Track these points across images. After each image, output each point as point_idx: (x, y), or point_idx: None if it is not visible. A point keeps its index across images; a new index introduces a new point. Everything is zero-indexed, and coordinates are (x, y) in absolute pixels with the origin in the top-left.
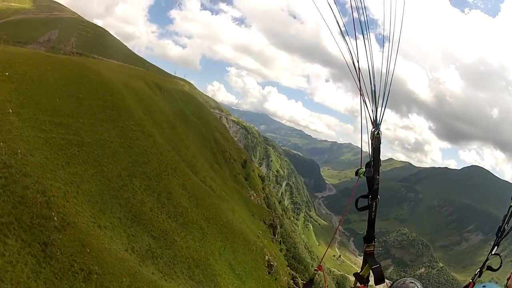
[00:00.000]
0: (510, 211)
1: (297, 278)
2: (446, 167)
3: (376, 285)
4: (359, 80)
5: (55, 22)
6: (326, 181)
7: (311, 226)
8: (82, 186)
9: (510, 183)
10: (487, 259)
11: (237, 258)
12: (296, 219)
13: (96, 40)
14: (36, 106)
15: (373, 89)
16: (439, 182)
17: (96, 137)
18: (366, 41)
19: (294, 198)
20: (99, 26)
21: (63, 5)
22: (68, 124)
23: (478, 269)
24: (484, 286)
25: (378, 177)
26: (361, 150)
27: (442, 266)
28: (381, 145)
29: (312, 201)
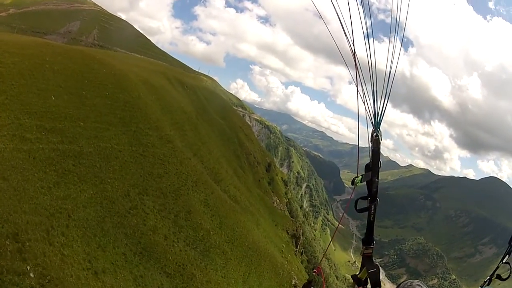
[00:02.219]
0: None
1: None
2: (465, 177)
3: None
4: (357, 79)
5: (77, 14)
6: (346, 184)
7: (329, 230)
8: (75, 215)
9: None
10: (497, 267)
11: (262, 285)
12: (314, 223)
13: (118, 33)
14: (22, 107)
15: (373, 88)
16: (457, 192)
17: (100, 146)
18: (367, 40)
19: (313, 201)
20: (122, 19)
21: None
22: (63, 129)
23: (488, 277)
24: None
25: (377, 180)
26: (358, 156)
27: (455, 279)
28: (380, 146)
29: (330, 204)
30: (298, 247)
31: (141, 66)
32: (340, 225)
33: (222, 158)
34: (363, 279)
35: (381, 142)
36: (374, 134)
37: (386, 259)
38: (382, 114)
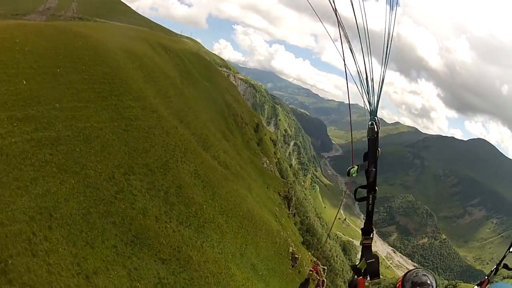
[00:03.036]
0: None
1: (319, 265)
2: (453, 137)
3: (371, 279)
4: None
5: None
6: (333, 141)
7: (318, 187)
8: (57, 212)
9: None
10: (504, 256)
11: (259, 255)
12: (303, 181)
13: (98, 3)
14: None
15: (368, 78)
16: (445, 151)
17: (78, 127)
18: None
19: (301, 159)
20: None
21: None
22: (36, 115)
23: (495, 267)
24: None
25: (374, 169)
26: (352, 149)
27: (445, 238)
28: (378, 135)
29: (319, 161)
30: (291, 209)
31: (121, 34)
32: (329, 182)
33: (210, 122)
34: (362, 270)
35: (379, 130)
36: (370, 123)
37: (376, 216)
38: (377, 102)
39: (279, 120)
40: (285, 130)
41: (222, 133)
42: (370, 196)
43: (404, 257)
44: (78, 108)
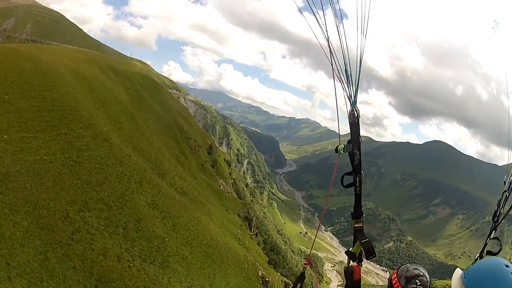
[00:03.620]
0: (504, 196)
1: (289, 285)
2: (408, 142)
3: (367, 259)
4: (331, 57)
5: (12, 11)
6: (286, 157)
7: (275, 204)
8: (14, 260)
9: (475, 158)
10: (485, 244)
11: (229, 284)
12: (261, 199)
13: (51, 25)
14: None
15: (347, 67)
16: (401, 157)
17: (27, 160)
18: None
19: (256, 177)
20: (55, 11)
21: None
22: None
23: (478, 255)
24: (507, 266)
25: (358, 152)
26: (338, 127)
27: (411, 240)
28: (359, 121)
29: (274, 177)
30: (253, 229)
31: (71, 57)
32: (285, 197)
33: (163, 147)
34: (357, 254)
35: (359, 117)
36: (350, 109)
37: (337, 226)
38: (356, 91)
39: (231, 139)
40: (238, 150)
41: (176, 157)
42: (357, 179)
43: (372, 263)
44: (27, 139)
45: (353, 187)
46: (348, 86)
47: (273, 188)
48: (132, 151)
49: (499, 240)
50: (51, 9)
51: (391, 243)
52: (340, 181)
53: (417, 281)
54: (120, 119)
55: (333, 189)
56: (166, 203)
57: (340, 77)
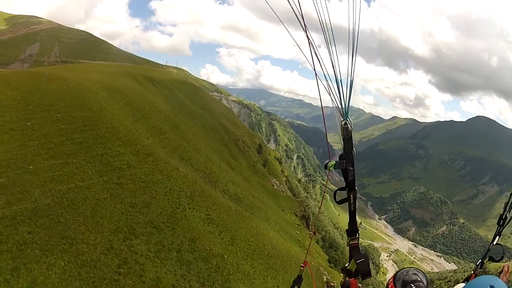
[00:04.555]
0: (511, 198)
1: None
2: (452, 120)
3: (363, 279)
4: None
5: (35, 36)
6: (334, 147)
7: (328, 197)
8: None
9: None
10: (488, 250)
11: None
12: (314, 194)
13: (79, 45)
14: None
15: (337, 78)
16: (447, 136)
17: (59, 190)
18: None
19: (307, 170)
20: (81, 30)
21: (40, 17)
22: (6, 184)
23: (479, 261)
24: (492, 286)
25: (351, 168)
26: (327, 142)
27: (463, 222)
28: (352, 134)
29: (324, 170)
30: (310, 228)
31: (103, 72)
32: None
33: (212, 153)
34: (353, 270)
35: (352, 130)
36: (343, 123)
37: (391, 214)
38: (348, 102)
39: (278, 135)
40: (286, 145)
41: (226, 162)
42: (351, 196)
43: (426, 249)
44: (57, 166)
45: (348, 203)
46: (339, 95)
47: (324, 180)
48: (180, 162)
49: (501, 247)
50: (77, 29)
51: (444, 227)
52: (333, 197)
53: (413, 286)
54: (162, 129)
55: (384, 176)
56: (222, 215)
57: (329, 85)
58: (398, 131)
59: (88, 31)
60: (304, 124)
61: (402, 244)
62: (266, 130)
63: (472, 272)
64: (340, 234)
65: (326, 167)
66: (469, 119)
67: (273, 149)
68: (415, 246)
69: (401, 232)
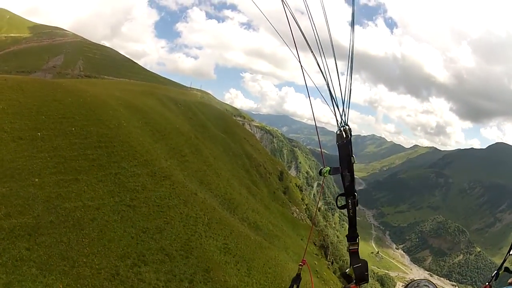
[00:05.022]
0: None
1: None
2: (472, 147)
3: (357, 284)
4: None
5: (60, 48)
6: (355, 176)
7: (347, 226)
8: None
9: None
10: (504, 260)
11: None
12: (334, 223)
13: (104, 61)
14: None
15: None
16: (467, 164)
17: (65, 208)
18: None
19: (327, 198)
20: (107, 47)
21: (65, 30)
22: (8, 195)
23: (495, 272)
24: None
25: (349, 173)
26: (321, 149)
27: (480, 251)
28: (350, 140)
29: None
30: (328, 257)
31: (125, 89)
32: (356, 217)
33: (233, 178)
34: (352, 276)
35: (351, 136)
36: (338, 131)
37: (409, 243)
38: (348, 109)
39: (300, 163)
40: (307, 172)
41: (247, 188)
42: (349, 202)
43: (442, 279)
44: (65, 182)
45: (347, 209)
46: (338, 104)
47: (344, 209)
48: (199, 187)
49: None
50: (103, 45)
51: (461, 256)
52: (335, 202)
53: None
54: (183, 152)
55: (403, 205)
56: (240, 245)
57: (329, 91)
58: (418, 160)
59: (113, 48)
60: (325, 151)
61: (418, 274)
62: (287, 157)
63: (487, 283)
64: None
65: (320, 173)
66: (488, 146)
67: (294, 177)
68: (430, 276)
69: (417, 261)
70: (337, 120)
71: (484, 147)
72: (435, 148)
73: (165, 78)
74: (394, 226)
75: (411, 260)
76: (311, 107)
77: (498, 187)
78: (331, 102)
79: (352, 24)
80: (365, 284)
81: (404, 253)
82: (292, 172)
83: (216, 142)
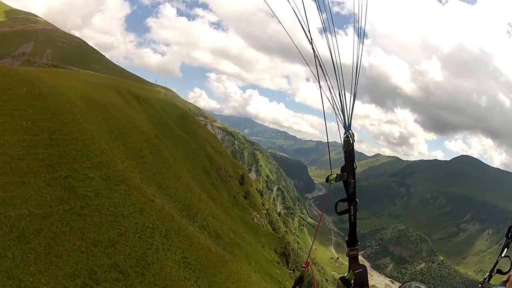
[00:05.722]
0: None
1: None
2: (436, 159)
3: None
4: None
5: (30, 34)
6: (315, 181)
7: (306, 230)
8: None
9: (501, 170)
10: (496, 262)
11: None
12: (293, 228)
13: (72, 51)
14: None
15: (341, 91)
16: (429, 175)
17: (9, 217)
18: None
19: (286, 203)
20: (76, 37)
21: (38, 17)
22: None
23: (488, 273)
24: None
25: (353, 180)
26: (329, 156)
27: (443, 260)
28: (353, 147)
29: (303, 202)
30: (290, 266)
31: (87, 81)
32: (316, 222)
33: (193, 182)
34: (351, 281)
35: (354, 142)
36: (345, 136)
37: (369, 250)
38: (351, 115)
39: (260, 166)
40: (267, 176)
41: (207, 192)
42: (352, 208)
43: None
44: (10, 185)
45: (348, 214)
46: (343, 109)
47: (303, 214)
48: (157, 191)
49: (510, 259)
50: (72, 35)
51: (423, 264)
52: (334, 208)
53: None
54: (142, 152)
55: (364, 212)
56: (200, 258)
57: (332, 97)
58: (380, 169)
59: (83, 39)
60: (286, 156)
61: (379, 280)
62: (248, 160)
63: (480, 285)
64: (317, 270)
65: (327, 180)
66: (453, 158)
67: (255, 180)
68: (392, 283)
69: (378, 268)
70: (344, 126)
71: (448, 159)
72: (398, 157)
73: (131, 73)
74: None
75: (371, 267)
76: (323, 110)
77: (462, 198)
78: (335, 108)
79: (361, 32)
80: None
81: (364, 260)
82: (253, 175)
83: (177, 142)
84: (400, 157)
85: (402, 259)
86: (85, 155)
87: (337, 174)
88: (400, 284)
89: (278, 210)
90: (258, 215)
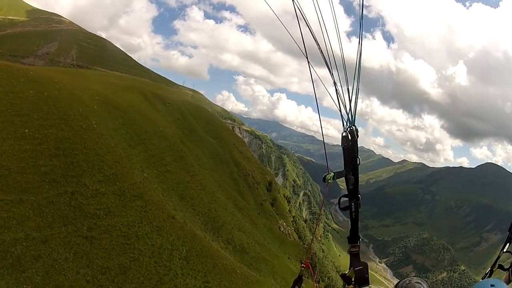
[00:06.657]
0: None
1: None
2: (461, 166)
3: (360, 287)
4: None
5: (54, 34)
6: (341, 186)
7: (331, 236)
8: None
9: None
10: (498, 257)
11: None
12: (319, 236)
13: (98, 52)
14: None
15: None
16: (455, 182)
17: (3, 241)
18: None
19: (312, 208)
20: (102, 38)
21: (62, 17)
22: None
23: (489, 269)
24: (492, 286)
25: (353, 177)
26: (325, 154)
27: (464, 269)
28: (357, 142)
29: (329, 208)
30: (315, 277)
31: (109, 82)
32: (340, 228)
33: (219, 190)
34: (352, 278)
35: (358, 138)
36: (349, 130)
37: (392, 258)
38: (355, 110)
39: (287, 170)
40: (294, 181)
41: (233, 200)
42: (353, 204)
43: None
44: (6, 204)
45: (349, 211)
46: (345, 103)
47: (328, 219)
48: (179, 203)
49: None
50: (98, 36)
51: (444, 274)
52: (338, 204)
53: None
54: (164, 160)
55: (388, 219)
56: (223, 282)
57: (336, 91)
58: (406, 175)
59: (109, 40)
60: (313, 160)
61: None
62: (275, 164)
63: (481, 280)
64: (342, 282)
65: (324, 179)
66: (478, 166)
67: (282, 187)
68: None
69: (400, 276)
70: (343, 121)
71: (473, 166)
72: (424, 164)
73: (158, 74)
74: (378, 239)
75: (393, 275)
76: (319, 119)
77: (485, 207)
78: (337, 101)
79: (361, 24)
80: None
81: (387, 267)
82: (279, 180)
83: (203, 148)
84: (426, 164)
85: (424, 268)
86: (96, 166)
87: (334, 173)
88: (401, 279)
89: (304, 216)
90: (284, 223)
